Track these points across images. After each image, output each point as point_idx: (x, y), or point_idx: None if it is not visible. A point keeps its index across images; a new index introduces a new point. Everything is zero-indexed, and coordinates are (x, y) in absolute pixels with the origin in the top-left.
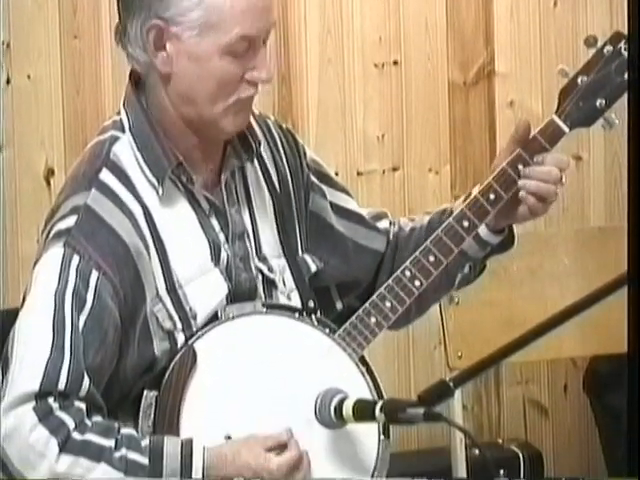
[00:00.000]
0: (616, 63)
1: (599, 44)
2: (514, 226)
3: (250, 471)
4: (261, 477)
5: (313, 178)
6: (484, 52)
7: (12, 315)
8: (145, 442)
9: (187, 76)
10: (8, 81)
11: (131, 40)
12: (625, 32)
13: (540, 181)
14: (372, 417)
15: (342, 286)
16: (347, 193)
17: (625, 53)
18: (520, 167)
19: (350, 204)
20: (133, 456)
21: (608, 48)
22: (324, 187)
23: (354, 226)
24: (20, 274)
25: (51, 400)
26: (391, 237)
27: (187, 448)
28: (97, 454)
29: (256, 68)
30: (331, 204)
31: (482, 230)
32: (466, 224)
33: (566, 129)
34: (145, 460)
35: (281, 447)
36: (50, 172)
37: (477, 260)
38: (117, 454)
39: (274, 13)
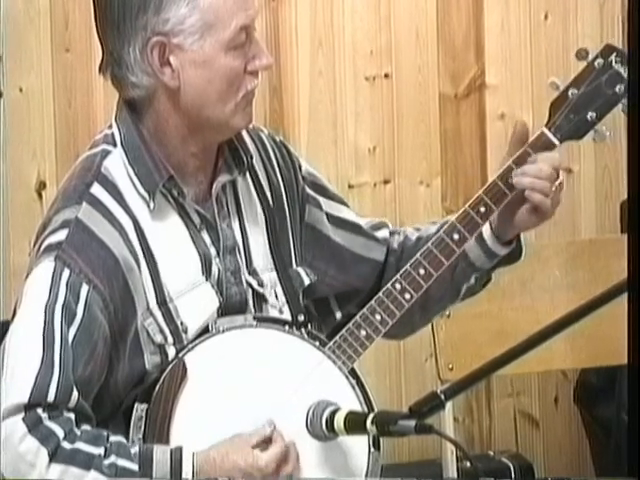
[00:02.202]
0: (607, 76)
1: (590, 57)
2: (522, 239)
3: (240, 472)
4: (251, 476)
5: (308, 190)
6: (475, 65)
7: (3, 328)
8: (135, 449)
9: (196, 84)
10: (0, 94)
11: (131, 68)
12: (616, 45)
13: (533, 177)
14: (363, 429)
15: (341, 296)
16: (344, 203)
17: (616, 66)
18: (510, 181)
19: (347, 214)
20: (123, 463)
21: (599, 61)
22: (320, 198)
23: (351, 236)
24: (11, 287)
25: (40, 410)
26: (396, 246)
27: (177, 454)
28: (87, 462)
29: (256, 56)
30: (327, 215)
31: (490, 241)
32: (456, 237)
33: (556, 142)
34: (135, 467)
35: (266, 441)
36: (42, 185)
37: (484, 271)
38: (107, 461)
39: None
